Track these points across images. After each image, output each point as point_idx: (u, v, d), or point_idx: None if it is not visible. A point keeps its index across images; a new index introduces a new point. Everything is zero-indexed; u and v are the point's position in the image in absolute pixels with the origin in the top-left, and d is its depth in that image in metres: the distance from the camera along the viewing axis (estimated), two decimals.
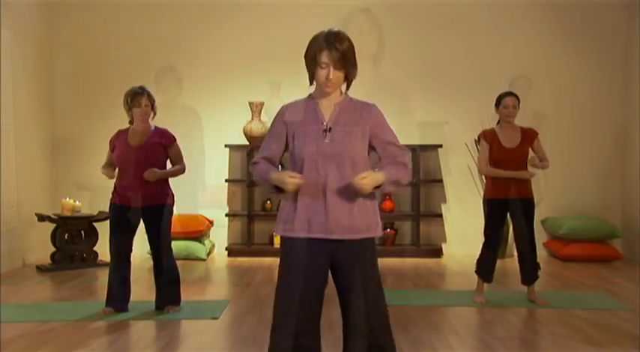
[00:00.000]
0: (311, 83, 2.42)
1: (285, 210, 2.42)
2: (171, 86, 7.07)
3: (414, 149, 6.90)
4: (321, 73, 2.34)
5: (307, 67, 2.39)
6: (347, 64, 2.34)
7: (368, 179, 2.27)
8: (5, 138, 6.06)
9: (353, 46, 2.37)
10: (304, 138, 2.36)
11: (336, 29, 2.37)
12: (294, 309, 2.35)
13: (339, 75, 2.35)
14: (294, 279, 2.37)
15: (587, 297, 4.95)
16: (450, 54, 7.09)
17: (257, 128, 6.83)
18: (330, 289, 2.49)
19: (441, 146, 6.99)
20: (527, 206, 4.62)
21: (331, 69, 2.32)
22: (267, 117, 6.71)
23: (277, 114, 2.48)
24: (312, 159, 2.34)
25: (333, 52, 2.30)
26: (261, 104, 6.84)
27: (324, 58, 2.31)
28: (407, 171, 2.41)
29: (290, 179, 2.28)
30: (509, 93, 4.67)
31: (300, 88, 2.44)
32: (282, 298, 2.39)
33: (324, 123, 2.38)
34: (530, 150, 4.67)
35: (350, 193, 2.35)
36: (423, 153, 6.99)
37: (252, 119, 6.87)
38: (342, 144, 2.35)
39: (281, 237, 2.45)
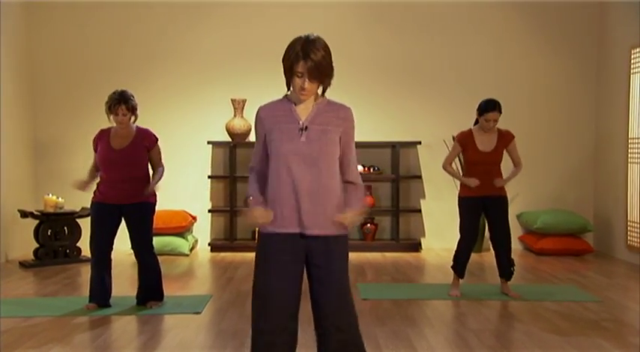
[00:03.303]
0: (288, 89, 2.50)
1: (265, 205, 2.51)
2: (153, 83, 7.11)
3: (393, 146, 7.04)
4: (297, 82, 2.42)
5: (284, 73, 2.46)
6: (321, 74, 2.41)
7: (353, 218, 2.49)
8: None
9: (329, 54, 2.43)
10: (281, 136, 2.44)
11: (312, 37, 2.42)
12: (273, 305, 2.44)
13: (314, 85, 2.43)
14: (271, 275, 2.45)
15: (558, 290, 5.11)
16: (429, 53, 7.21)
17: (239, 125, 6.91)
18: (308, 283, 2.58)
19: (419, 143, 7.13)
20: (500, 203, 4.77)
21: (306, 79, 2.40)
22: (250, 114, 6.78)
23: (255, 116, 2.56)
24: (288, 157, 2.42)
25: (308, 62, 2.36)
26: (243, 101, 6.92)
27: (300, 68, 2.38)
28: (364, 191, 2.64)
29: (257, 220, 2.44)
30: (493, 108, 4.65)
31: (282, 86, 2.50)
32: (260, 295, 2.47)
33: (301, 122, 2.46)
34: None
35: (324, 191, 2.45)
36: (403, 150, 7.11)
37: (235, 116, 6.94)
38: (317, 143, 2.43)
39: (259, 233, 2.55)
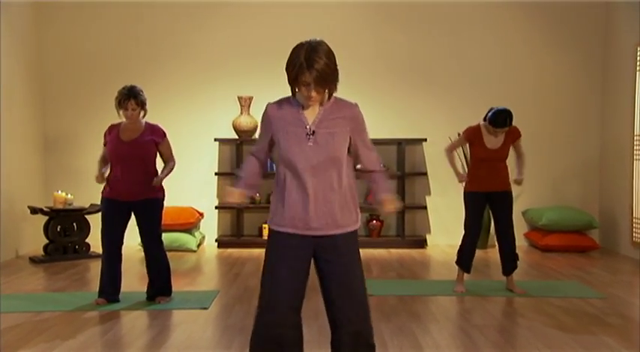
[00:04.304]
0: (293, 96, 2.51)
1: (274, 205, 2.56)
2: (161, 81, 7.16)
3: (399, 143, 7.07)
4: (303, 91, 2.44)
5: (289, 82, 2.46)
6: (326, 82, 2.41)
7: (394, 204, 2.58)
8: None
9: (333, 60, 2.42)
10: (288, 139, 2.47)
11: (314, 43, 2.41)
12: (278, 298, 2.48)
13: (321, 92, 2.44)
14: (279, 271, 2.50)
15: (563, 286, 5.13)
16: (435, 51, 7.24)
17: (246, 122, 6.95)
18: (315, 278, 2.60)
19: (425, 140, 7.16)
20: (505, 198, 4.80)
21: (312, 89, 2.41)
22: (256, 112, 6.83)
23: (264, 112, 2.59)
24: (296, 161, 2.45)
25: (313, 72, 2.37)
26: (250, 98, 6.96)
27: (305, 78, 2.38)
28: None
29: (230, 198, 2.58)
30: (503, 124, 4.60)
31: (287, 83, 2.52)
32: (266, 288, 2.52)
33: (308, 127, 2.48)
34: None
35: (332, 192, 2.48)
36: (408, 147, 7.14)
37: (241, 113, 6.99)
38: (325, 146, 2.46)
39: (269, 229, 2.60)
